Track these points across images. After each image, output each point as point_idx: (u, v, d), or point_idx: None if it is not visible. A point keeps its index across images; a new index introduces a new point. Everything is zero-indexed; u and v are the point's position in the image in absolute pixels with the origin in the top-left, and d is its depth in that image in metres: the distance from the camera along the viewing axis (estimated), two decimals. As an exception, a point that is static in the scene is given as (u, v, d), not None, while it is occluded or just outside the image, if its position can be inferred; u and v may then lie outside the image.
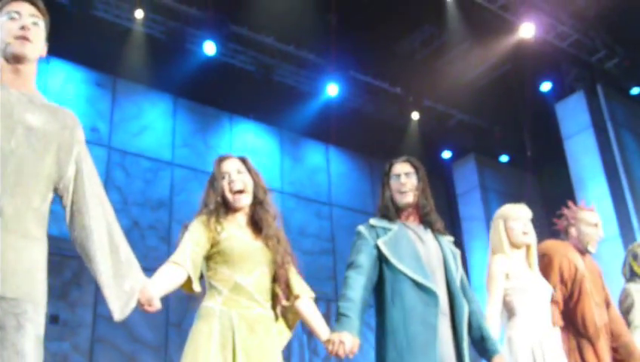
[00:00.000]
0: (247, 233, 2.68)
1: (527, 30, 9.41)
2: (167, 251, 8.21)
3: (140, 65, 9.11)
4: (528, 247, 3.56)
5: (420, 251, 2.88)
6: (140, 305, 2.23)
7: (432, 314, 2.72)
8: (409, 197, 2.99)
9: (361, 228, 2.99)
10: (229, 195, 2.69)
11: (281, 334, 2.70)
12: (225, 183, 2.71)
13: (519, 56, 10.02)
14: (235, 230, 2.65)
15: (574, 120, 10.05)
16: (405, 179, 3.01)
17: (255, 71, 9.90)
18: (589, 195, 9.19)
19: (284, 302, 2.70)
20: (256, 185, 2.78)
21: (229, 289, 2.54)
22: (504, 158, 12.23)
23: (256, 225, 2.72)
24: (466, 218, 11.52)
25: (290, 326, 2.77)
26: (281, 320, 2.72)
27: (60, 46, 8.07)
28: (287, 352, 9.32)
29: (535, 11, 9.40)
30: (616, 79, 10.51)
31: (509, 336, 3.33)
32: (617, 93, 10.36)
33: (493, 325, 3.24)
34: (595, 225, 3.91)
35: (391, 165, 3.09)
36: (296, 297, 2.71)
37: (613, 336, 3.78)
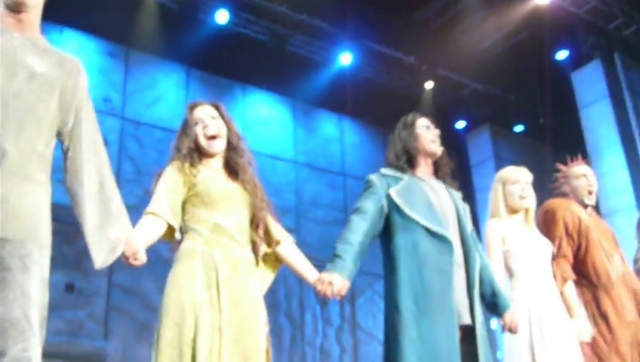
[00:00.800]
0: (223, 177, 2.65)
1: (544, -3, 9.26)
2: (181, 221, 8.28)
3: (153, 35, 9.09)
4: (527, 211, 3.54)
5: (433, 200, 2.85)
6: (125, 258, 2.22)
7: (446, 262, 2.69)
8: (440, 147, 3.00)
9: (372, 176, 2.93)
10: (202, 140, 2.65)
11: (263, 279, 2.67)
12: (199, 129, 2.67)
13: (534, 23, 9.88)
14: (210, 173, 2.62)
15: (591, 89, 9.92)
16: (435, 130, 3.01)
17: (268, 40, 9.84)
18: (604, 165, 9.12)
19: (265, 248, 2.67)
20: (230, 130, 2.74)
21: (209, 230, 2.49)
22: (519, 128, 12.12)
23: (231, 169, 2.68)
24: (480, 189, 11.47)
25: (273, 270, 2.73)
26: (262, 266, 2.68)
27: (72, 16, 8.06)
28: (301, 322, 9.41)
29: (552, -22, 9.24)
30: (634, 47, 10.33)
31: (511, 297, 3.34)
32: (635, 61, 10.19)
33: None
34: (584, 175, 3.88)
35: (415, 116, 3.06)
36: (277, 243, 2.68)
37: (633, 293, 3.73)
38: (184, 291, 2.37)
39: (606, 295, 3.58)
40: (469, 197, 11.66)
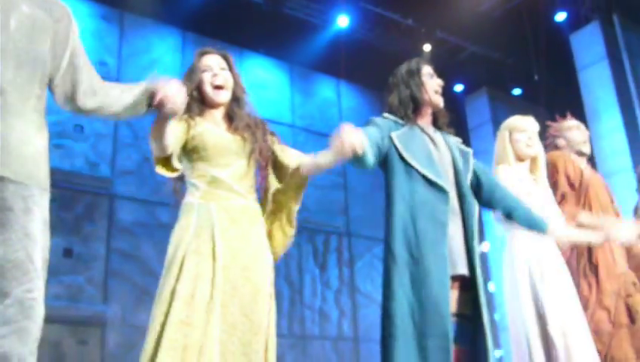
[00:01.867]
0: (222, 127, 2.64)
1: (544, -42, 9.14)
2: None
3: (147, -2, 8.98)
4: (533, 160, 3.55)
5: (432, 150, 2.86)
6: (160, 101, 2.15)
7: (442, 212, 2.70)
8: (441, 98, 2.99)
9: (375, 118, 2.92)
10: (208, 89, 2.63)
11: (282, 230, 2.67)
12: (206, 76, 2.65)
13: (534, -15, 9.76)
14: (210, 125, 2.60)
15: (589, 51, 9.85)
16: (438, 80, 3.00)
17: (264, 3, 9.73)
18: (602, 127, 9.10)
19: (276, 185, 2.67)
20: (236, 83, 2.73)
21: (207, 183, 2.50)
22: (517, 91, 12.06)
23: (230, 120, 2.68)
24: (477, 152, 11.26)
25: (290, 222, 2.70)
26: (274, 227, 2.67)
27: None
28: (300, 285, 9.48)
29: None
30: (633, 9, 10.22)
31: (510, 246, 3.36)
32: (634, 23, 10.10)
33: None
34: (577, 127, 3.98)
35: (419, 63, 3.02)
36: (297, 169, 2.67)
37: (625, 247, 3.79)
38: (177, 244, 2.39)
39: (599, 246, 3.62)
40: (467, 160, 11.68)
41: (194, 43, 9.64)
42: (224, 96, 2.65)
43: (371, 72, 10.84)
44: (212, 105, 2.66)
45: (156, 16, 9.25)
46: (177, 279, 2.31)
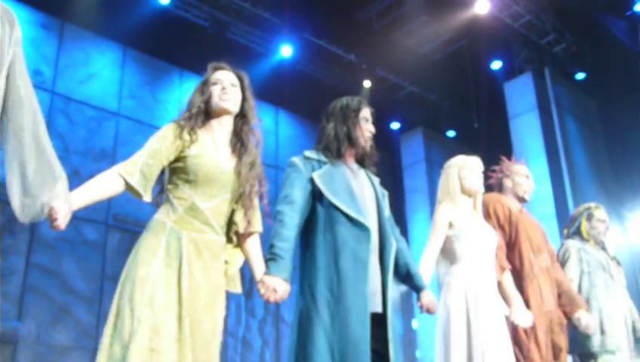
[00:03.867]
0: (221, 153, 2.54)
1: (482, 6, 9.50)
2: (107, 203, 8.09)
3: (90, 11, 8.82)
4: (476, 198, 3.65)
5: (354, 187, 2.86)
6: (49, 219, 2.07)
7: (363, 250, 2.71)
8: (370, 143, 3.01)
9: (296, 159, 2.91)
10: (216, 100, 2.57)
11: (232, 263, 2.62)
12: (216, 89, 2.59)
13: (473, 33, 10.13)
14: (208, 147, 2.51)
15: (521, 100, 10.25)
16: (371, 126, 3.02)
17: (209, 27, 9.72)
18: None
19: (241, 230, 2.60)
20: (247, 102, 2.67)
21: (185, 209, 2.42)
22: (451, 133, 12.39)
23: (235, 146, 2.59)
24: (410, 190, 11.68)
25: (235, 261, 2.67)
26: (232, 249, 2.63)
27: (5, -17, 7.75)
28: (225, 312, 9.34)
29: (492, -11, 9.49)
30: (563, 63, 10.74)
31: (448, 281, 3.41)
32: (563, 77, 10.59)
33: (425, 270, 3.33)
34: (527, 176, 4.09)
35: (361, 104, 3.04)
36: (251, 233, 2.63)
37: (557, 284, 3.94)
38: (143, 264, 2.30)
39: (530, 284, 3.75)
40: (400, 197, 11.86)
41: (135, 60, 9.53)
42: (229, 104, 2.58)
43: (311, 102, 10.92)
44: (217, 115, 2.59)
45: (98, 29, 9.10)
46: (143, 303, 2.23)
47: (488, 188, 4.18)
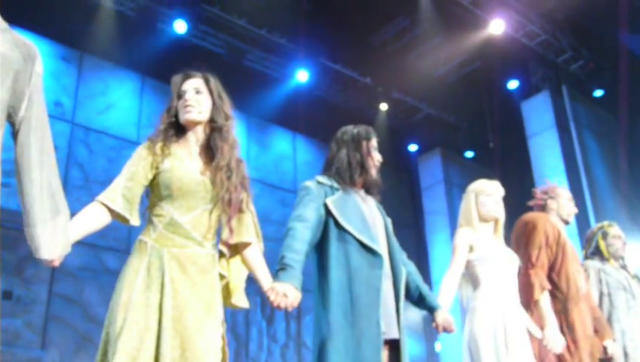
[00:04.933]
0: (196, 163, 2.45)
1: (497, 26, 9.51)
2: (128, 231, 8.13)
3: (108, 41, 8.96)
4: (497, 222, 3.63)
5: (366, 213, 2.90)
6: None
7: (376, 276, 2.74)
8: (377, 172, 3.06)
9: (310, 183, 2.95)
10: (180, 114, 2.49)
11: (230, 277, 2.55)
12: (180, 102, 2.51)
13: (488, 53, 10.14)
14: (181, 160, 2.43)
15: (539, 119, 10.21)
16: (379, 155, 3.08)
17: (225, 54, 9.82)
18: (549, 194, 9.35)
19: (223, 239, 2.50)
20: (217, 108, 2.55)
21: (164, 225, 2.35)
22: (469, 154, 12.35)
23: (210, 153, 2.48)
24: (429, 212, 11.62)
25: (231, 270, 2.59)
26: (228, 262, 2.54)
27: (26, 18, 7.91)
28: (246, 338, 9.32)
29: (506, 9, 9.51)
30: (581, 81, 10.70)
31: (474, 306, 3.38)
32: (581, 94, 10.55)
33: (446, 293, 3.33)
34: (570, 199, 4.15)
35: (371, 133, 3.09)
36: (246, 245, 2.55)
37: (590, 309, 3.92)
38: (125, 288, 2.27)
39: (575, 307, 3.74)
40: (419, 219, 11.81)
41: (153, 88, 9.64)
42: (193, 115, 2.49)
43: (327, 127, 10.90)
44: (189, 128, 2.52)
45: (116, 59, 9.23)
46: (122, 328, 2.18)
47: (529, 208, 4.19)
